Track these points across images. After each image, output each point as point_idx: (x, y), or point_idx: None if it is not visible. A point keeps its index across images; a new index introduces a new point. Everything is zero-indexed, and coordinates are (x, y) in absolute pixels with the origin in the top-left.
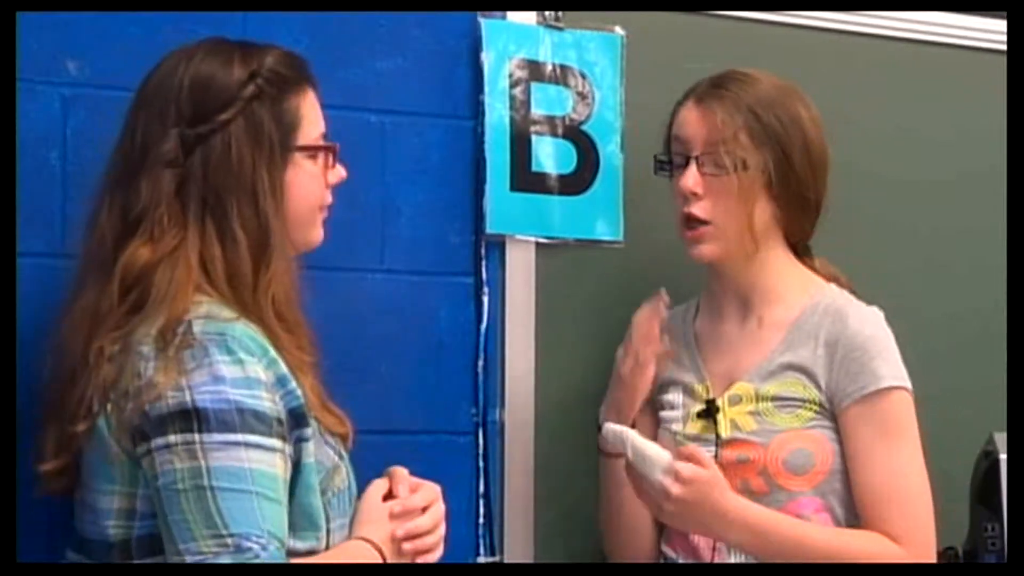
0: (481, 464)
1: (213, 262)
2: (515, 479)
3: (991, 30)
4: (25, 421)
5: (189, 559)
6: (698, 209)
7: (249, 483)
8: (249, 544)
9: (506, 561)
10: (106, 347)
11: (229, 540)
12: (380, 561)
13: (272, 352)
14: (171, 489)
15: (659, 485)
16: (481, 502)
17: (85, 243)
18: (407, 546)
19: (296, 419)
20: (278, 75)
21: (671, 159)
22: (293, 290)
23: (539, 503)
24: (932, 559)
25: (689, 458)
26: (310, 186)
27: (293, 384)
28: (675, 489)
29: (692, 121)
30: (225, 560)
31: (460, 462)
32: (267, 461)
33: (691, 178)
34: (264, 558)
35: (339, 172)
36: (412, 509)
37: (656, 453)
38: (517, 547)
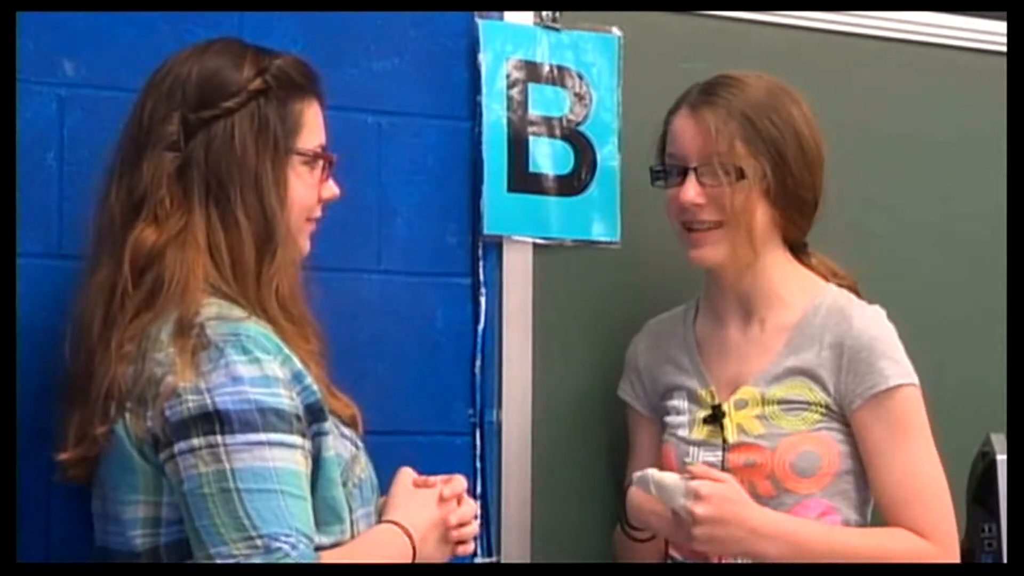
0: (478, 465)
1: (219, 248)
2: (512, 480)
3: (991, 31)
4: (26, 420)
5: (220, 562)
6: (701, 219)
7: (275, 482)
8: (279, 544)
9: (503, 561)
10: (125, 343)
11: (259, 541)
12: (409, 545)
13: (285, 349)
14: (197, 494)
15: (684, 511)
16: (478, 502)
17: (95, 222)
18: (455, 534)
19: (314, 414)
20: (287, 77)
21: (667, 169)
22: (297, 284)
23: (536, 503)
24: (956, 546)
25: (702, 476)
26: (303, 194)
27: (309, 379)
28: (699, 509)
29: (686, 132)
30: (256, 561)
31: (457, 463)
32: (290, 458)
33: (691, 190)
34: (295, 556)
35: (332, 189)
36: (453, 496)
37: (673, 481)
38: (514, 547)
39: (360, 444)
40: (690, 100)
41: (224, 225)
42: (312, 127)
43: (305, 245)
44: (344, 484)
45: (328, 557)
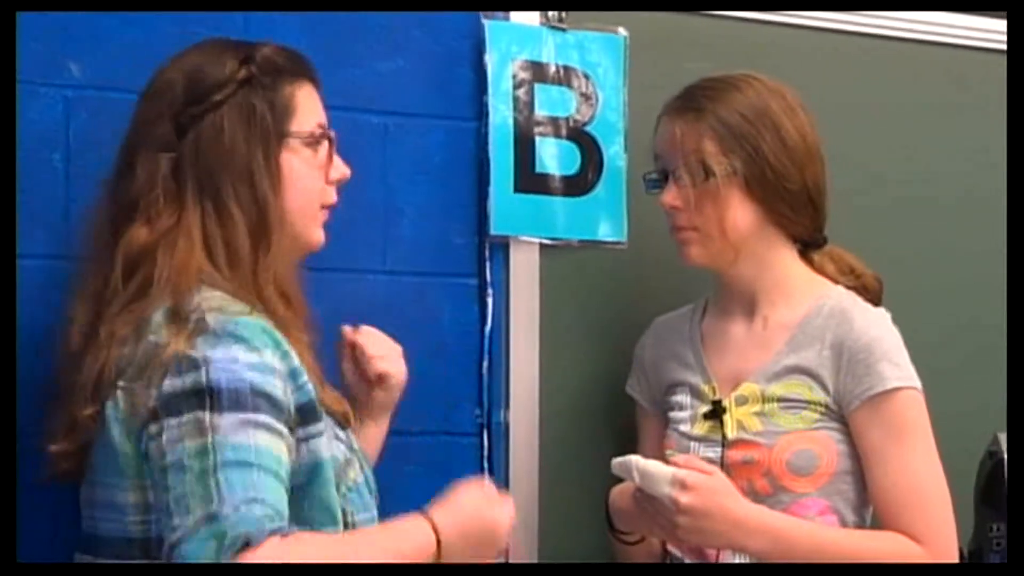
0: (485, 465)
1: (214, 241)
2: (519, 480)
3: (991, 30)
4: (26, 421)
5: (179, 534)
6: (683, 221)
7: (253, 457)
8: (227, 511)
9: (510, 561)
10: (117, 329)
11: (212, 514)
12: (434, 544)
13: (285, 345)
14: (178, 465)
15: (668, 499)
16: None
17: (87, 230)
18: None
19: (305, 415)
20: (272, 63)
21: (657, 176)
22: (294, 271)
23: (543, 504)
24: (954, 555)
25: (687, 467)
26: (309, 177)
27: (304, 378)
28: (684, 499)
29: (663, 137)
30: (203, 533)
31: (464, 463)
32: (273, 442)
33: (669, 193)
34: (241, 526)
35: (341, 168)
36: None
37: (659, 469)
38: (521, 547)
39: (355, 447)
40: (669, 107)
41: (219, 218)
42: (306, 108)
43: (317, 234)
44: (337, 487)
45: (343, 539)
